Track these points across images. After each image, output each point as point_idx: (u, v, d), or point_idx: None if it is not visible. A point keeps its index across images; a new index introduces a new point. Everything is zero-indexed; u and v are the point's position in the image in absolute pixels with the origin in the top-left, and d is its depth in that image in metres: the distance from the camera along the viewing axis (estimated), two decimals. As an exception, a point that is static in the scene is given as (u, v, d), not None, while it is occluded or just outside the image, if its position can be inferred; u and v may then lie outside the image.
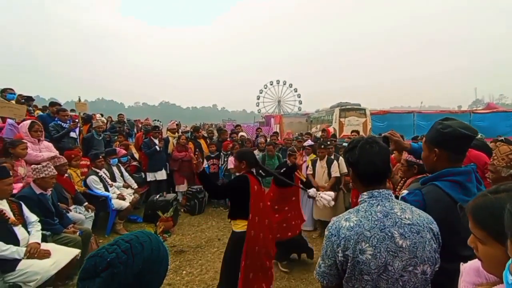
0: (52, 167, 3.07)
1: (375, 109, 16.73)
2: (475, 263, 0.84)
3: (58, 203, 3.28)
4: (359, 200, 1.14)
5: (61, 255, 2.60)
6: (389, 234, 1.02)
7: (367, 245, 1.01)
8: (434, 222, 1.09)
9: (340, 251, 1.04)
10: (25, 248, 2.36)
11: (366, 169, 1.11)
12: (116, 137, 5.90)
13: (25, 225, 2.52)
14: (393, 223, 1.04)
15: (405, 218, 1.05)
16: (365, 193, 1.12)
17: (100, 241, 3.86)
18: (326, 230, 1.12)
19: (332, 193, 3.31)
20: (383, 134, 1.53)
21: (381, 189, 1.10)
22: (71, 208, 3.61)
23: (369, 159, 1.09)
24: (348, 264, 1.03)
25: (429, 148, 1.32)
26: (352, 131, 6.39)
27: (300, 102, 39.18)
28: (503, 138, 3.79)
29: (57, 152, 3.88)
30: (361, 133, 9.64)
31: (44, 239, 2.68)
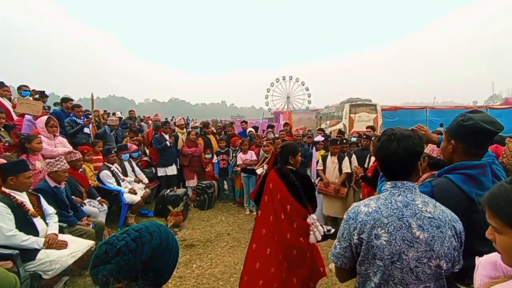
0: (65, 161, 3.16)
1: (386, 105, 16.40)
2: (491, 256, 0.84)
3: (73, 197, 3.39)
4: (382, 189, 1.16)
5: (77, 246, 2.69)
6: (407, 224, 1.02)
7: (383, 231, 1.03)
8: (459, 222, 1.06)
9: (355, 234, 1.07)
10: (44, 239, 2.45)
11: (381, 164, 1.16)
12: (126, 133, 6.00)
13: (43, 216, 2.62)
14: (412, 213, 1.03)
15: (426, 211, 1.04)
16: (388, 183, 1.13)
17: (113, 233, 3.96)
18: (345, 214, 1.15)
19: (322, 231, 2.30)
20: (410, 128, 1.50)
21: (405, 181, 1.10)
22: (85, 201, 3.72)
23: (386, 155, 1.12)
24: (362, 247, 1.06)
25: (447, 139, 1.31)
26: (367, 127, 6.30)
27: (309, 102, 38.60)
28: None
29: (71, 147, 3.99)
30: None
31: (61, 230, 2.77)
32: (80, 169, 3.90)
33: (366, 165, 4.18)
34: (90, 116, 4.83)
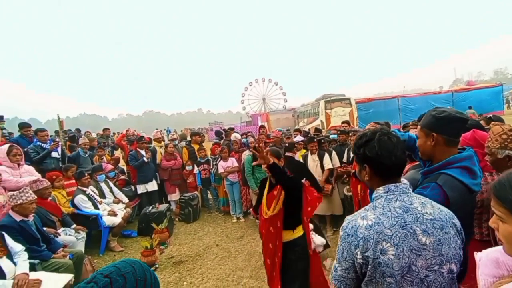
0: (30, 191, 2.93)
1: (359, 97, 16.92)
2: (492, 253, 0.80)
3: (44, 228, 3.14)
4: (374, 195, 1.05)
5: (54, 282, 2.48)
6: (411, 231, 0.93)
7: (389, 244, 0.92)
8: (455, 217, 1.02)
9: (358, 252, 0.95)
10: (12, 281, 2.23)
11: (387, 162, 1.02)
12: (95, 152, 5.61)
13: (10, 256, 2.39)
14: (414, 219, 0.95)
15: (427, 213, 0.97)
16: (380, 187, 1.03)
17: (95, 261, 3.73)
18: (341, 230, 1.04)
19: (323, 240, 2.88)
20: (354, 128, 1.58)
21: (398, 183, 1.02)
22: (59, 231, 3.47)
23: (390, 151, 1.01)
24: (369, 266, 0.94)
25: (426, 134, 1.33)
26: (343, 122, 6.41)
27: (286, 100, 38.99)
28: (491, 116, 3.64)
29: (40, 175, 3.70)
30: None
31: (33, 268, 2.55)
32: (50, 197, 3.63)
33: (345, 160, 4.25)
34: (57, 140, 4.54)
